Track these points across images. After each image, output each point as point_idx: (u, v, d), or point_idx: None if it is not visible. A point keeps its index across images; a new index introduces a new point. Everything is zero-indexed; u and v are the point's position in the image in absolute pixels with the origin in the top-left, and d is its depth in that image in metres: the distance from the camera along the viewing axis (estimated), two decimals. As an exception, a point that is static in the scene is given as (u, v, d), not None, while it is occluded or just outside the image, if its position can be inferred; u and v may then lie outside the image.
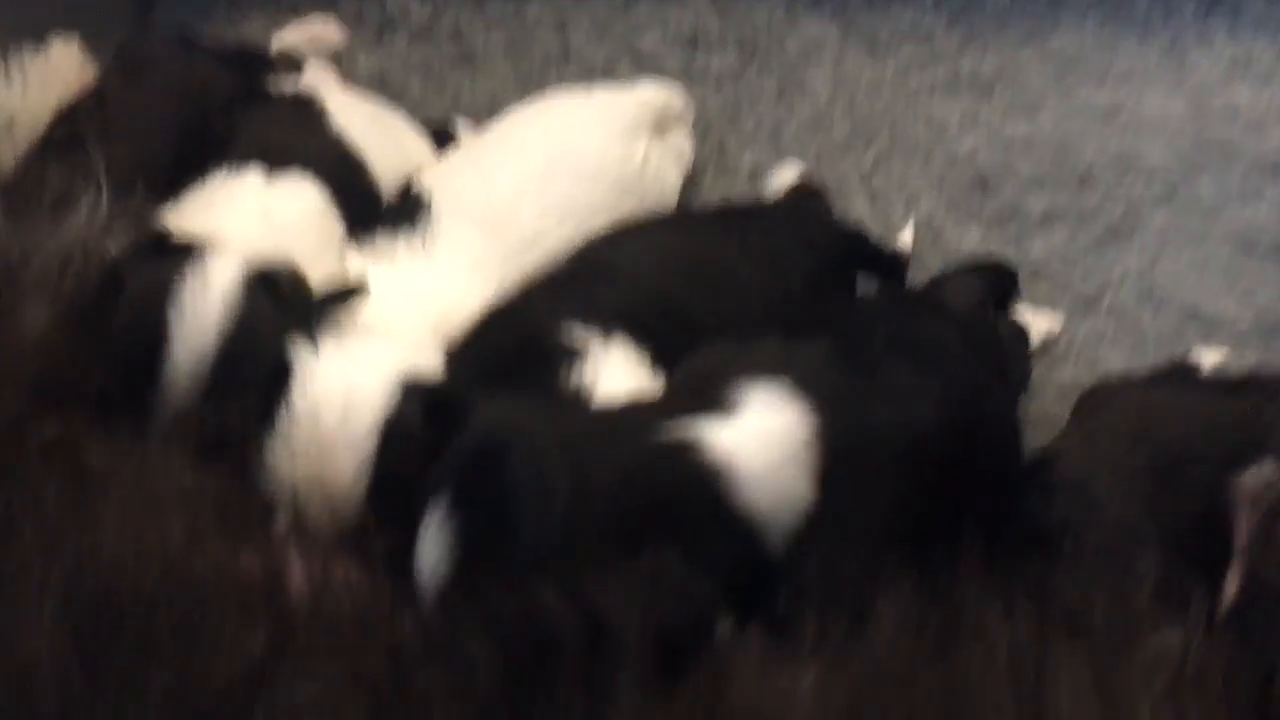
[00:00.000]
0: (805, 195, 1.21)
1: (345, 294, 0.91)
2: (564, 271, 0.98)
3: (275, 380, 0.82)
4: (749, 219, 1.08)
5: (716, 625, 0.69)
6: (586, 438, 0.73)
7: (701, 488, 0.72)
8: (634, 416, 0.77)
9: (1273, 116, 1.31)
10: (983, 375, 0.92)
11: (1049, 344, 1.16)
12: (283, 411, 0.81)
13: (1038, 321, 1.15)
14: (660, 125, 1.16)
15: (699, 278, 0.97)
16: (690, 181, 1.26)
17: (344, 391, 0.82)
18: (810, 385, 0.77)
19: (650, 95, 1.17)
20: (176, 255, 0.85)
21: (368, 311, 0.93)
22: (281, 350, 0.83)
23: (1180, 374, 1.04)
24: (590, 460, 0.71)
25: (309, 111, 1.09)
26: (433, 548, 0.70)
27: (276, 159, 1.00)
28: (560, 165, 1.07)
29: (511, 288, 0.98)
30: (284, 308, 0.86)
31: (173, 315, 0.82)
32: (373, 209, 1.06)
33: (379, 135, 1.11)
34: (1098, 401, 0.98)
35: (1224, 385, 0.97)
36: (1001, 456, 0.90)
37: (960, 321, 0.97)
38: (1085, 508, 0.80)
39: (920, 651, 0.62)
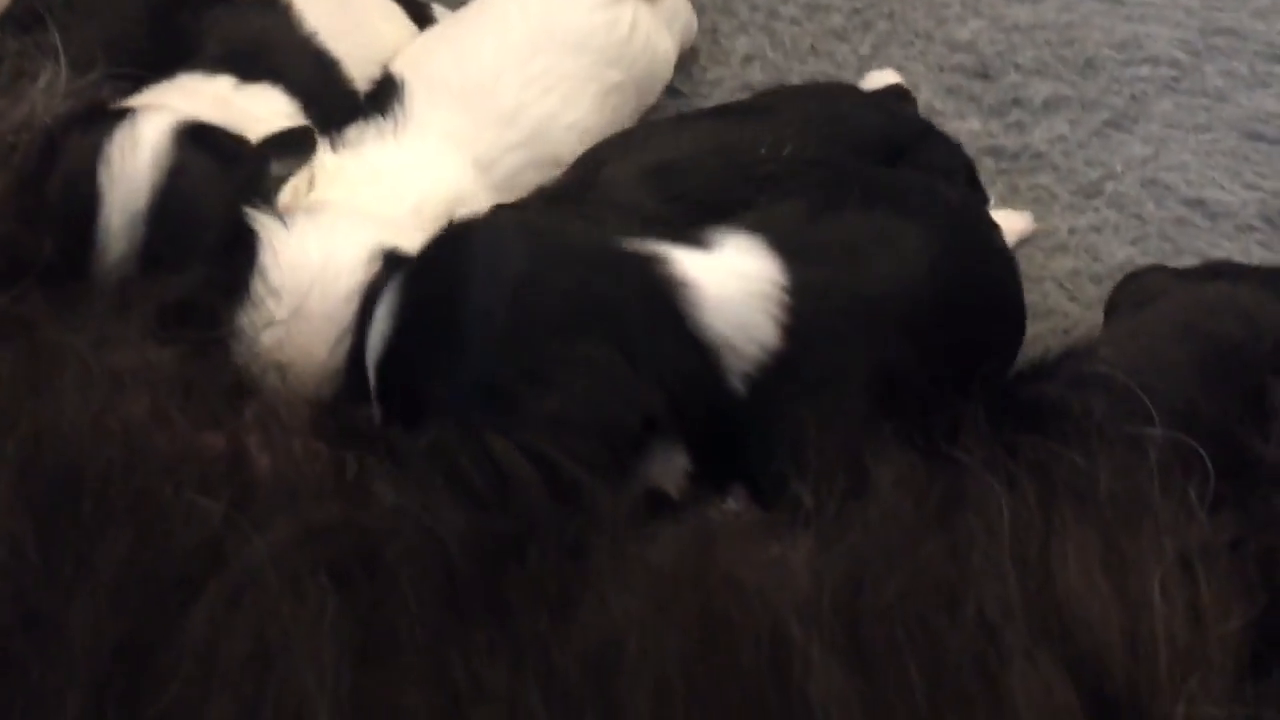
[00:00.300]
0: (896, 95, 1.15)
1: (293, 139, 0.86)
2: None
3: (241, 251, 0.79)
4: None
5: (655, 445, 0.69)
6: (554, 233, 0.74)
7: (659, 295, 0.70)
8: (608, 232, 0.76)
9: (1282, 1, 1.27)
10: (982, 231, 0.88)
11: (1049, 233, 1.12)
12: (254, 283, 0.78)
13: (1009, 220, 1.11)
14: None
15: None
16: (682, 67, 1.22)
17: (321, 262, 0.79)
18: (785, 240, 0.75)
19: None
20: (109, 118, 0.81)
21: (345, 198, 0.90)
22: (239, 216, 0.80)
23: (1222, 269, 1.00)
24: (552, 249, 0.71)
25: (276, 11, 1.02)
26: (380, 322, 0.71)
27: (245, 65, 0.95)
28: (542, 36, 1.02)
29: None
30: (225, 163, 0.82)
31: (103, 173, 0.78)
32: (349, 107, 1.01)
33: (350, 23, 1.06)
34: (1141, 295, 0.95)
35: (1271, 276, 0.93)
36: (1005, 321, 0.87)
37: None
38: (1124, 401, 0.76)
39: (920, 521, 0.60)
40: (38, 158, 0.80)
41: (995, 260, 0.89)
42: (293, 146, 0.85)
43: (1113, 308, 1.00)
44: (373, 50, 1.06)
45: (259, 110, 0.92)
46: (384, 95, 1.00)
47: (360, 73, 1.03)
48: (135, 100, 0.91)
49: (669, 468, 0.70)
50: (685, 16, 1.19)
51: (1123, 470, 0.63)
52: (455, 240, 0.74)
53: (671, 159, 0.91)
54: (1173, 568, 0.56)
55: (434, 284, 0.72)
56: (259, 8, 1.01)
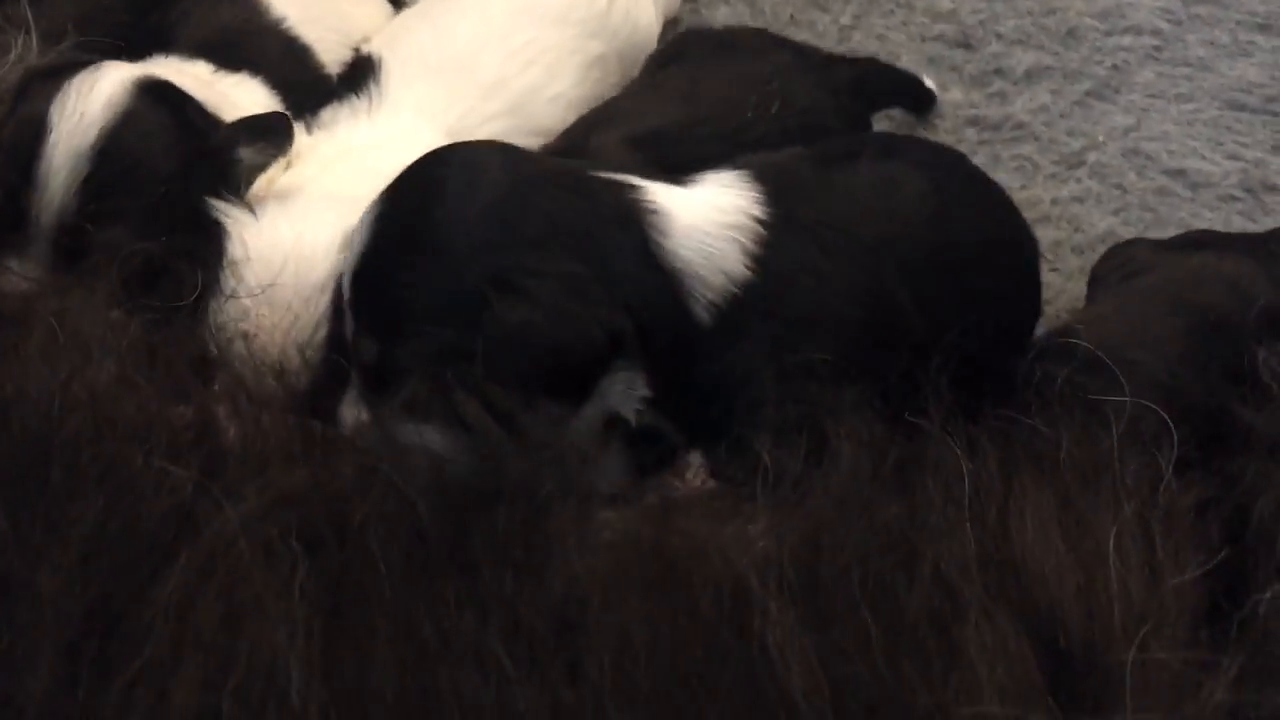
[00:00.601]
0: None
1: (268, 125, 0.85)
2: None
3: (206, 228, 0.79)
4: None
5: (619, 365, 0.69)
6: (531, 159, 0.76)
7: (628, 219, 0.72)
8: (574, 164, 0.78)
9: (1265, -30, 1.27)
10: (988, 188, 0.88)
11: (1032, 204, 1.12)
12: (226, 266, 0.79)
13: None
14: None
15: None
16: (664, 37, 1.22)
17: (294, 247, 0.80)
18: (774, 177, 0.76)
19: None
20: (76, 68, 0.82)
21: (317, 177, 0.89)
22: (194, 190, 0.80)
23: (1206, 239, 1.00)
24: (529, 171, 0.73)
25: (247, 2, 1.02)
26: (359, 234, 0.72)
27: (221, 54, 0.95)
28: (522, 11, 1.03)
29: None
30: (185, 127, 0.82)
31: (55, 109, 0.79)
32: (323, 92, 1.01)
33: (321, 8, 1.05)
34: (1127, 267, 0.95)
35: (1255, 245, 0.94)
36: (1018, 283, 0.85)
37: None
38: (1094, 370, 0.77)
39: (879, 484, 0.60)
40: (7, 110, 0.80)
41: (1007, 217, 0.88)
42: (267, 133, 0.84)
43: (1096, 279, 1.00)
44: (345, 34, 1.06)
45: (240, 99, 0.92)
46: (359, 74, 0.99)
47: (333, 57, 1.04)
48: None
49: (628, 395, 0.71)
50: None
51: (1083, 435, 0.63)
52: (435, 160, 0.75)
53: (659, 126, 0.92)
54: (1130, 525, 0.57)
55: (411, 197, 0.73)
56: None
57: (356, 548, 0.58)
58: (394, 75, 0.98)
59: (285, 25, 1.01)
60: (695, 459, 0.71)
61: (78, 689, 0.56)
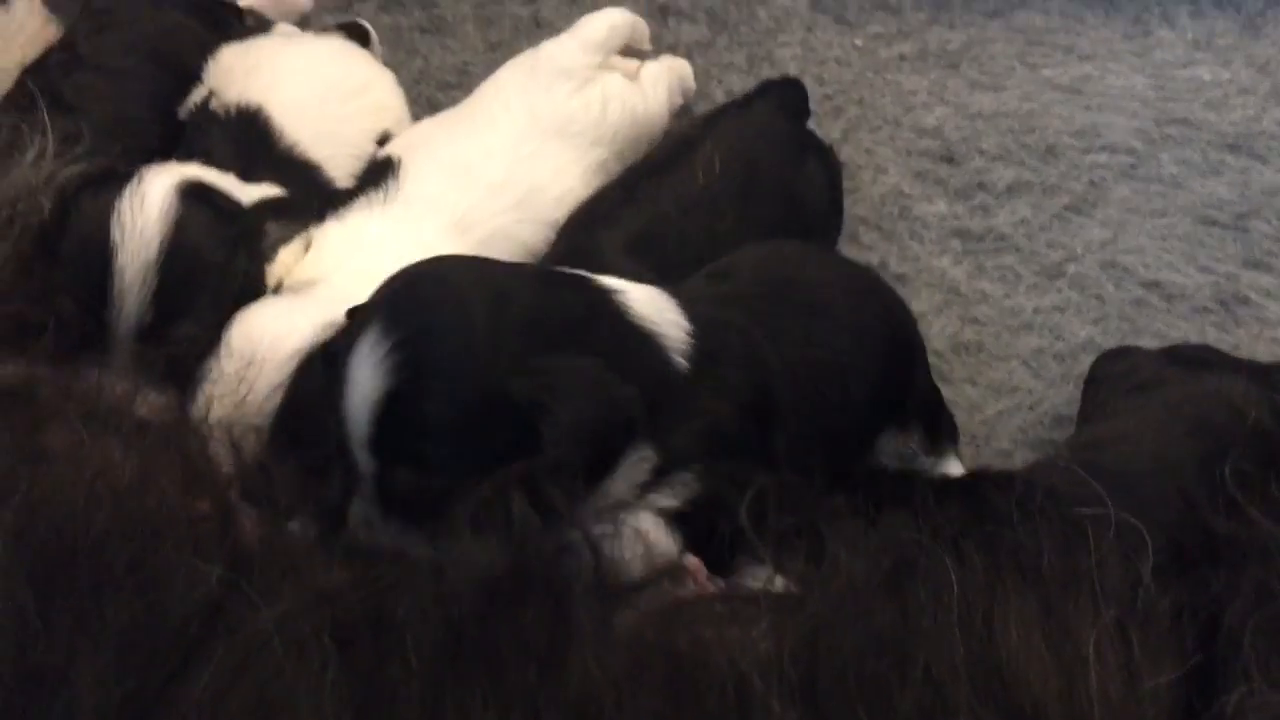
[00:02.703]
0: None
1: (290, 203, 0.93)
2: None
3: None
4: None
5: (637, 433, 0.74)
6: (493, 268, 0.80)
7: (601, 301, 0.79)
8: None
9: (1233, 93, 1.34)
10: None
11: (1015, 312, 1.17)
12: (219, 352, 0.85)
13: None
14: (615, 53, 1.18)
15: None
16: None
17: (271, 330, 0.85)
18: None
19: (591, 31, 1.17)
20: (118, 179, 0.88)
21: (332, 269, 0.95)
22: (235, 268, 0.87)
23: (1208, 358, 1.04)
24: (500, 282, 0.77)
25: (258, 127, 1.08)
26: (367, 371, 0.73)
27: (243, 169, 1.01)
28: (527, 128, 1.09)
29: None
30: (223, 217, 0.89)
31: (115, 229, 0.84)
32: (329, 199, 1.07)
33: (331, 125, 1.11)
34: (1134, 378, 0.99)
35: (1258, 374, 0.98)
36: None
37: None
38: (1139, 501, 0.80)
39: (874, 588, 0.63)
40: (50, 220, 0.85)
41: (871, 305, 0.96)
42: (292, 210, 0.92)
43: (1097, 381, 1.04)
44: (355, 146, 1.12)
45: None
46: (378, 172, 1.06)
47: (342, 170, 1.10)
48: None
49: (638, 464, 0.76)
50: (678, 72, 1.25)
51: (1064, 546, 0.66)
52: (417, 287, 0.77)
53: (652, 226, 1.01)
54: (1109, 631, 0.60)
55: (411, 328, 0.73)
56: (242, 123, 1.07)
57: (389, 643, 0.60)
58: (409, 173, 1.05)
59: (298, 149, 1.07)
60: (691, 561, 0.75)
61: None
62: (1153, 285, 1.19)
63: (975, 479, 0.87)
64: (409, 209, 1.02)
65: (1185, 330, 1.15)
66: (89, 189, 0.87)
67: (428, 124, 1.15)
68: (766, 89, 1.20)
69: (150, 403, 0.83)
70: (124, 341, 0.83)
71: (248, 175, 1.01)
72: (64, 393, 0.76)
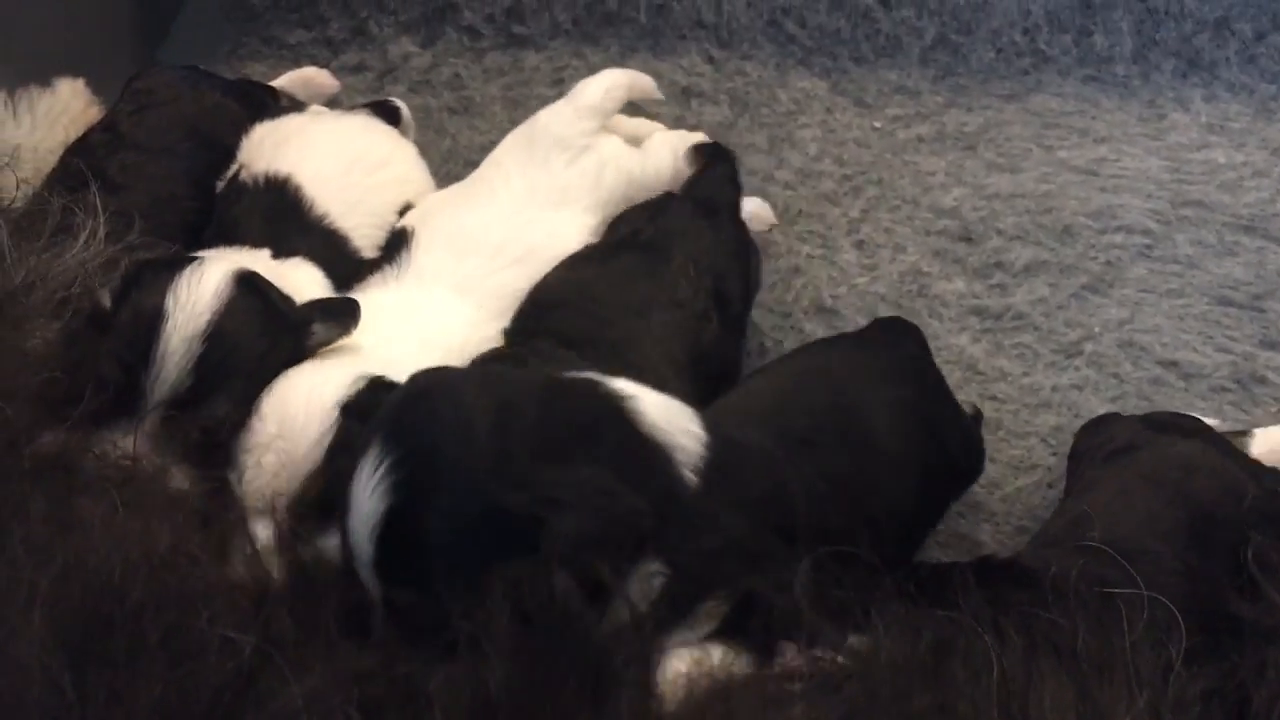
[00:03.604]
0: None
1: (339, 308, 0.95)
2: None
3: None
4: None
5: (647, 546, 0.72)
6: (500, 378, 0.79)
7: (610, 408, 0.76)
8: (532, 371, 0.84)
9: (1247, 175, 1.36)
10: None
11: (1034, 390, 1.18)
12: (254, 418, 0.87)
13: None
14: (616, 114, 1.19)
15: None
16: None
17: (305, 392, 0.87)
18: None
19: (587, 97, 1.17)
20: (183, 261, 0.91)
21: (361, 333, 0.97)
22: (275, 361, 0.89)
23: (1182, 424, 1.05)
24: (507, 392, 0.75)
25: (288, 197, 1.10)
26: (367, 492, 0.71)
27: (277, 243, 1.05)
28: (524, 200, 1.11)
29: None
30: (274, 313, 0.91)
31: (170, 298, 0.87)
32: (356, 268, 1.10)
33: (357, 196, 1.14)
34: (1110, 445, 0.99)
35: (1220, 441, 0.99)
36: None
37: None
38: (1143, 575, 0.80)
39: (912, 670, 0.63)
40: (110, 295, 0.88)
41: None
42: (338, 314, 0.94)
43: (1078, 455, 1.04)
44: (380, 216, 1.15)
45: (298, 280, 1.01)
46: (395, 245, 1.10)
47: (369, 240, 1.13)
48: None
49: (648, 580, 0.73)
50: (690, 140, 1.23)
51: (1098, 626, 0.67)
52: (417, 402, 0.76)
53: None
54: (1142, 716, 0.60)
55: (412, 446, 0.72)
56: (272, 193, 1.09)
57: (419, 716, 0.60)
58: (420, 244, 1.08)
59: (327, 220, 1.10)
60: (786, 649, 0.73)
61: None
62: (1170, 364, 1.20)
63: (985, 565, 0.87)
64: (419, 280, 1.06)
65: (1203, 409, 1.15)
66: (152, 267, 0.90)
67: (438, 195, 1.18)
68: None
69: (185, 473, 0.85)
70: (158, 407, 0.85)
71: (278, 244, 1.04)
72: (101, 462, 0.77)
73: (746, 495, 0.78)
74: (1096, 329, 1.23)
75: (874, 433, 0.89)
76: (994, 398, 1.17)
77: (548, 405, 0.75)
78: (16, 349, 0.85)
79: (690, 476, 0.76)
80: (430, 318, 1.02)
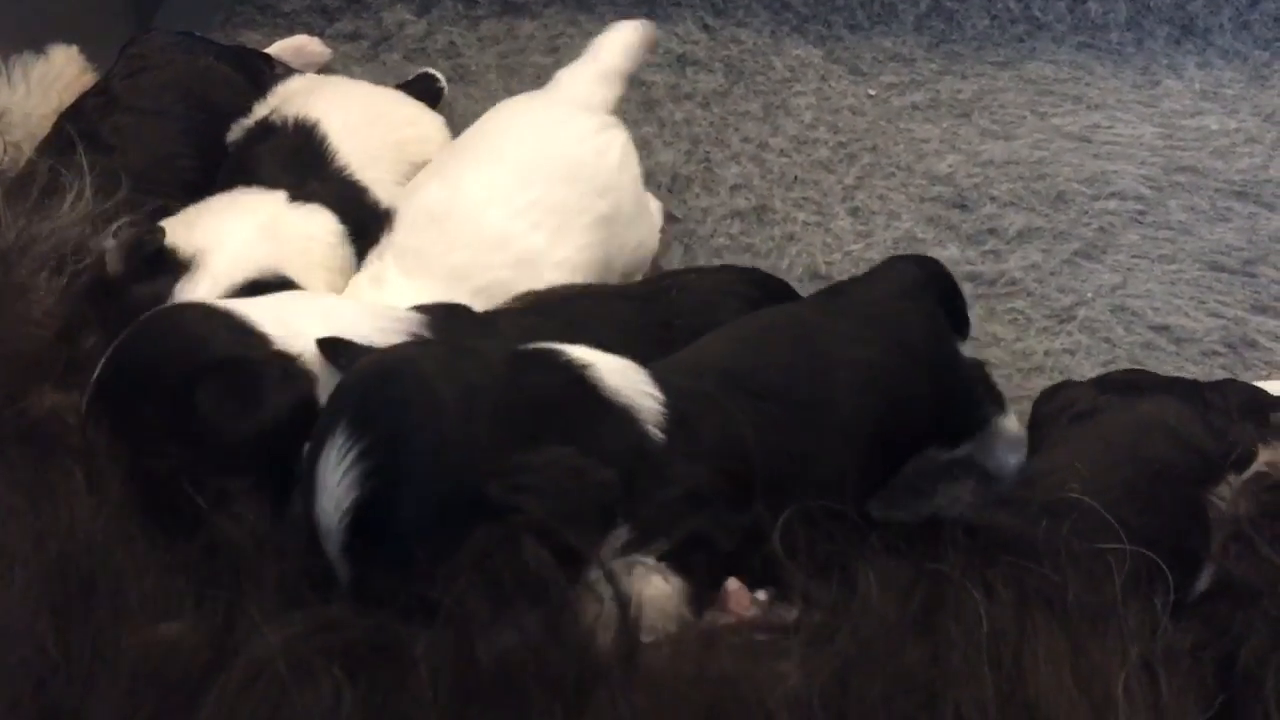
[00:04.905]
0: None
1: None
2: None
3: None
4: None
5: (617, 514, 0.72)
6: (462, 357, 0.77)
7: (571, 378, 0.77)
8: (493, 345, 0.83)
9: (1240, 142, 1.36)
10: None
11: (1026, 355, 1.19)
12: None
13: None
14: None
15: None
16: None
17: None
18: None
19: (608, 55, 1.10)
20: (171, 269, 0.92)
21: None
22: None
23: (1140, 381, 1.06)
24: (471, 373, 0.74)
25: (314, 142, 1.10)
26: (336, 477, 0.70)
27: (295, 187, 1.05)
28: (531, 168, 1.04)
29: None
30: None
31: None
32: (380, 223, 1.07)
33: (378, 148, 1.14)
34: (1069, 410, 1.00)
35: (1191, 392, 1.00)
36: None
37: None
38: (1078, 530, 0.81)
39: (903, 626, 0.64)
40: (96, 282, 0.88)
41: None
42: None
43: (1039, 421, 1.04)
44: (401, 170, 1.14)
45: (312, 229, 1.02)
46: (381, 225, 1.04)
47: (389, 193, 1.11)
48: (188, 218, 1.00)
49: (615, 539, 0.74)
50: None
51: (1090, 582, 0.68)
52: (374, 382, 0.74)
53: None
54: (1136, 670, 0.61)
55: (373, 430, 0.71)
56: (300, 138, 1.10)
57: (407, 677, 0.61)
58: (403, 224, 1.02)
59: (348, 171, 1.10)
60: (732, 585, 0.75)
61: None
62: (1162, 329, 1.21)
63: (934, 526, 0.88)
64: (401, 263, 1.00)
65: (1194, 373, 1.16)
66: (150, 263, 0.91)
67: (429, 169, 1.10)
68: None
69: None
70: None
71: (296, 187, 1.04)
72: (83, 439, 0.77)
73: (704, 445, 0.78)
74: (1089, 294, 1.23)
75: (832, 392, 0.88)
76: (987, 363, 1.17)
77: (512, 383, 0.74)
78: (9, 311, 0.85)
79: (656, 433, 0.77)
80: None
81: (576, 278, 1.03)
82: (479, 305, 0.96)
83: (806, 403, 0.86)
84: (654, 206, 1.19)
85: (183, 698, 0.62)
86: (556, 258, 1.02)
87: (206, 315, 0.83)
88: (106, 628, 0.64)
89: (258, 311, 0.84)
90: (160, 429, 0.78)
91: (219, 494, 0.74)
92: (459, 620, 0.63)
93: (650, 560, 0.75)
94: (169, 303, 0.89)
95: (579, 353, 0.79)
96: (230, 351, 0.80)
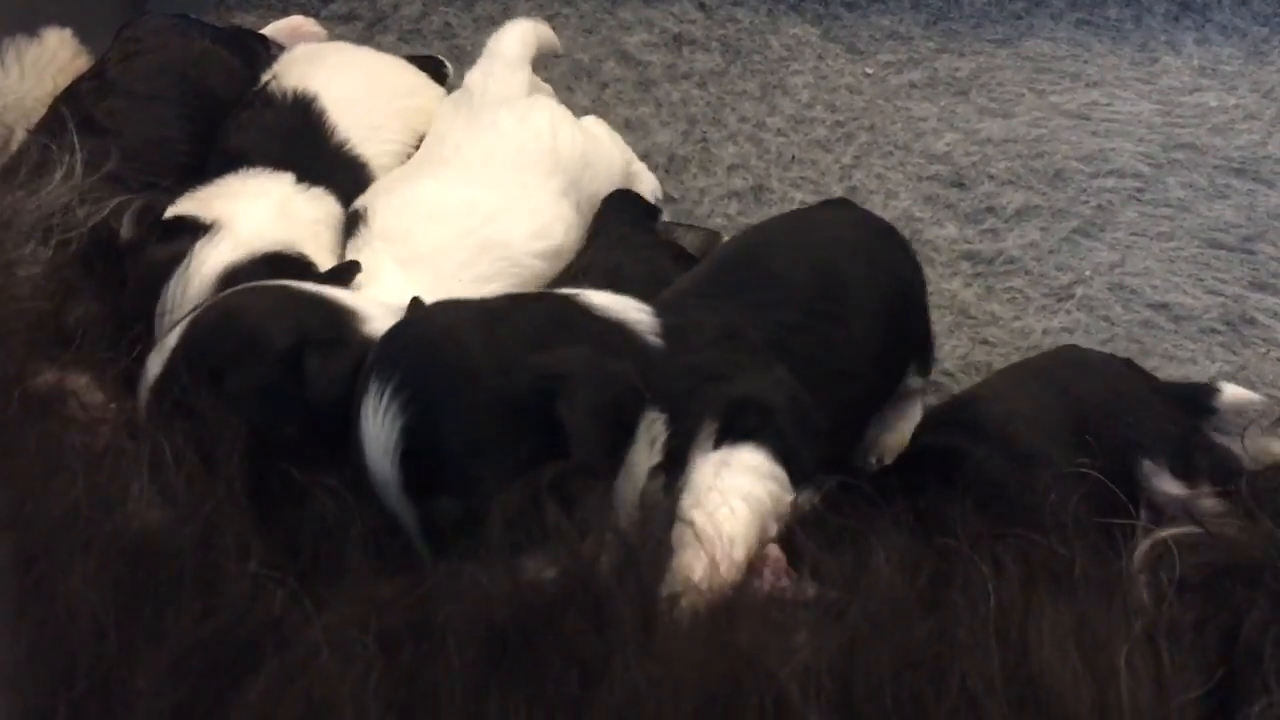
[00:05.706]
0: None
1: (342, 271, 0.95)
2: None
3: None
4: None
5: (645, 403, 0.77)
6: (465, 302, 0.83)
7: (565, 301, 0.84)
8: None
9: (1239, 118, 1.36)
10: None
11: (1025, 333, 1.19)
12: None
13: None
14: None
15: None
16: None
17: None
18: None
19: (507, 48, 1.16)
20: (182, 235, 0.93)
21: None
22: None
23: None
24: (479, 306, 0.81)
25: (311, 115, 1.11)
26: (378, 421, 0.73)
27: (300, 169, 1.05)
28: (477, 169, 1.08)
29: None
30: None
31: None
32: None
33: (379, 120, 1.15)
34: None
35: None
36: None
37: None
38: (1013, 456, 0.86)
39: (911, 599, 0.65)
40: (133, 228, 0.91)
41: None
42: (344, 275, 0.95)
43: None
44: (402, 142, 1.15)
45: (319, 214, 1.03)
46: (354, 220, 1.05)
47: (389, 167, 1.13)
48: (199, 197, 1.01)
49: (652, 425, 0.78)
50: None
51: (1095, 555, 0.68)
52: (395, 336, 0.79)
53: None
54: (1139, 643, 0.62)
55: (404, 364, 0.75)
56: (298, 115, 1.10)
57: (432, 647, 0.61)
58: (375, 220, 1.03)
59: (346, 146, 1.11)
60: (774, 550, 0.75)
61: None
62: (1160, 307, 1.21)
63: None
64: (375, 258, 1.01)
65: (1192, 351, 1.17)
66: (155, 240, 0.92)
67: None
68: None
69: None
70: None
71: (300, 168, 1.05)
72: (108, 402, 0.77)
73: (706, 338, 0.84)
74: (1087, 272, 1.23)
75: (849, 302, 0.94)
76: (985, 341, 1.18)
77: (520, 309, 0.80)
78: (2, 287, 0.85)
79: (655, 339, 0.82)
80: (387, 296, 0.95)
81: (550, 261, 1.07)
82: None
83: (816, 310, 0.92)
84: (602, 131, 1.22)
85: (229, 678, 0.62)
86: (526, 230, 1.06)
87: (297, 292, 0.87)
88: (163, 605, 0.65)
89: (339, 294, 0.88)
90: (258, 399, 0.80)
91: (311, 464, 0.75)
92: (482, 591, 0.63)
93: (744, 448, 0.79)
94: (189, 260, 0.91)
95: (563, 289, 0.87)
96: (331, 327, 0.83)
